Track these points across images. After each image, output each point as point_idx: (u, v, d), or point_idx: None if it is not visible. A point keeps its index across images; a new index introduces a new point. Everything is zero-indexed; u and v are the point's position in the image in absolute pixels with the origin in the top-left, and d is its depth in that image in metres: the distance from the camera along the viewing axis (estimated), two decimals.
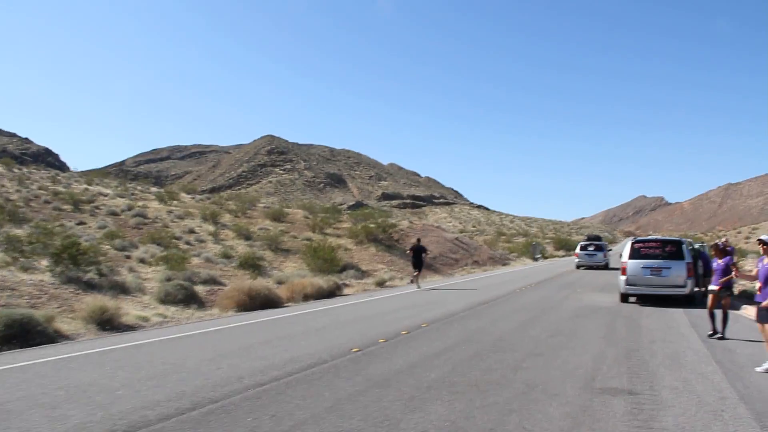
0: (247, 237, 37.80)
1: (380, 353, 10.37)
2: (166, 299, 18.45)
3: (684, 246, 18.45)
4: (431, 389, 7.87)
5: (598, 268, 41.08)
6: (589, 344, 11.33)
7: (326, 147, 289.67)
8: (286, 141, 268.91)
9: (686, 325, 14.17)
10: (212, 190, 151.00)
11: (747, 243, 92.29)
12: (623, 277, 18.50)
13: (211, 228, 39.22)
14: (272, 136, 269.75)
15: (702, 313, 16.20)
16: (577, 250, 44.07)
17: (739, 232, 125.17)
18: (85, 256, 19.71)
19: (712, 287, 12.48)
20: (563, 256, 75.03)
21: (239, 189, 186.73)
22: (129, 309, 16.82)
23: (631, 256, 18.57)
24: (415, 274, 26.13)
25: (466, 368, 9.13)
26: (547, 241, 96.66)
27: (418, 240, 28.86)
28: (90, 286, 18.62)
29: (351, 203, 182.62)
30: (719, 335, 12.25)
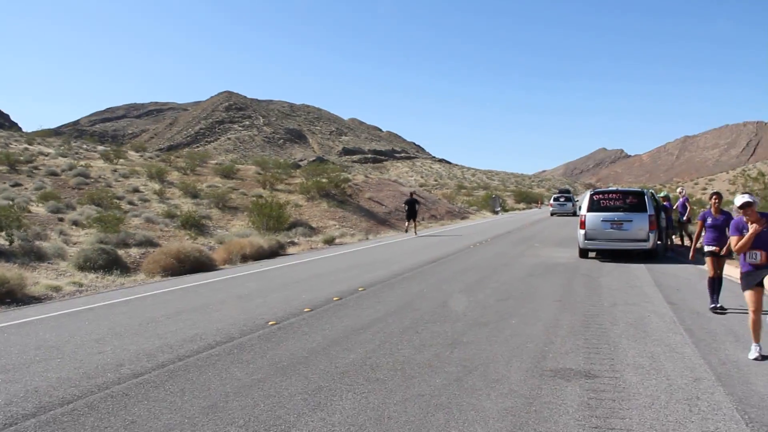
0: (194, 195, 35.97)
1: (299, 327, 8.87)
2: (85, 265, 16.68)
3: (646, 197, 17.18)
4: (345, 376, 6.41)
5: (567, 215, 47.99)
6: (543, 309, 9.96)
7: (286, 102, 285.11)
8: (245, 97, 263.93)
9: (649, 283, 12.90)
10: (170, 148, 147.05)
11: (704, 194, 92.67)
12: (582, 231, 17.22)
13: (157, 186, 37.19)
14: (230, 92, 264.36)
15: (666, 269, 15.09)
16: (551, 201, 54.98)
17: (696, 183, 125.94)
18: None
19: (709, 248, 10.27)
20: (524, 209, 74.35)
21: (197, 146, 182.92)
22: (41, 278, 15.12)
23: (590, 209, 17.27)
24: (409, 224, 30.01)
25: (395, 345, 7.68)
26: (508, 194, 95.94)
27: (411, 194, 32.78)
28: None
29: (311, 159, 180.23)
30: (719, 306, 9.95)
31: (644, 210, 16.77)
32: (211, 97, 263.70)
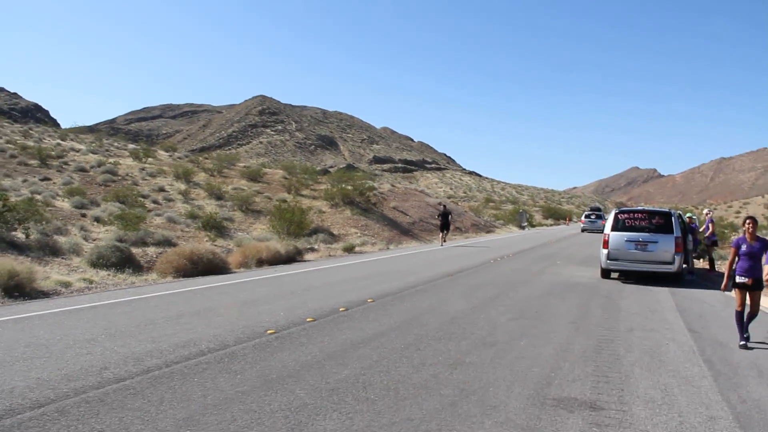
0: (219, 197, 35.94)
1: (298, 337, 8.52)
2: (98, 262, 16.55)
3: (673, 218, 16.57)
4: (334, 393, 6.05)
5: (597, 231, 48.00)
6: (556, 331, 9.50)
7: (319, 109, 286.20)
8: (279, 102, 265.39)
9: (671, 308, 12.34)
10: (202, 150, 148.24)
11: (737, 217, 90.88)
12: (605, 251, 16.65)
13: (182, 187, 37.22)
14: (264, 97, 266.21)
15: (690, 294, 14.50)
16: (582, 218, 58.99)
17: (730, 206, 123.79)
18: (11, 212, 17.74)
19: (741, 279, 9.17)
20: (551, 225, 73.42)
21: (229, 149, 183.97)
22: (53, 273, 14.99)
23: (614, 228, 16.69)
24: (443, 234, 31.28)
25: (393, 362, 7.30)
26: (537, 209, 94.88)
27: (444, 206, 35.24)
28: (13, 246, 16.75)
29: (342, 166, 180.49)
30: (745, 341, 9.07)
31: (671, 231, 16.17)
32: (246, 100, 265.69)
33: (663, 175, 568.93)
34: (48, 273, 14.86)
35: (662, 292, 14.62)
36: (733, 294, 9.56)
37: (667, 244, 16.05)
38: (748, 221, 9.34)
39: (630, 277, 17.11)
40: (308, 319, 9.78)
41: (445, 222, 31.18)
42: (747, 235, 9.26)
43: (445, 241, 31.07)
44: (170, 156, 57.95)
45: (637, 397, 6.28)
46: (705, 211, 22.07)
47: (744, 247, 9.14)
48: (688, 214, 21.32)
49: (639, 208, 18.79)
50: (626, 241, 16.34)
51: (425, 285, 14.40)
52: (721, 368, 7.63)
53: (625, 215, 17.10)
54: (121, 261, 16.87)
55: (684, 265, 16.62)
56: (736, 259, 9.28)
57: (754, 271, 9.05)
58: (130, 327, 9.02)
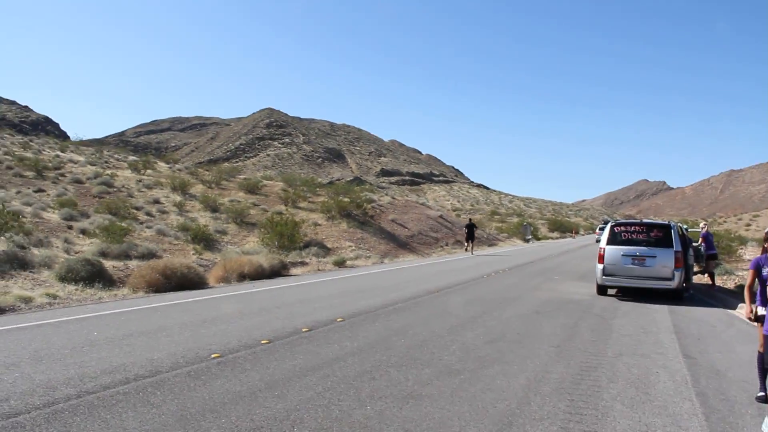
0: (214, 209, 35.17)
1: (242, 363, 7.63)
2: (67, 276, 15.74)
3: (673, 231, 15.57)
4: None
5: None
6: (534, 357, 8.55)
7: (327, 122, 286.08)
8: (286, 114, 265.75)
9: (668, 329, 11.35)
10: (210, 162, 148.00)
11: (747, 230, 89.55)
12: (600, 266, 15.68)
13: (178, 199, 36.48)
14: (272, 109, 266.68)
15: (690, 313, 13.53)
16: (597, 230, 60.17)
17: (740, 219, 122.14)
18: None
19: (764, 311, 6.83)
20: (557, 238, 72.28)
21: (236, 162, 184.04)
22: (15, 288, 14.20)
23: (610, 242, 15.74)
24: (468, 245, 35.72)
25: (338, 395, 6.38)
26: (543, 222, 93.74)
27: (470, 219, 41.29)
28: None
29: (349, 178, 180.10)
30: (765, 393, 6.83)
31: (670, 245, 15.20)
32: (253, 113, 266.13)
33: (672, 188, 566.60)
34: (10, 288, 14.08)
35: (660, 311, 13.63)
36: (756, 326, 8.16)
37: (666, 258, 15.08)
38: None
39: (627, 293, 16.13)
40: (263, 341, 8.90)
41: (470, 233, 35.49)
42: None
43: (471, 250, 35.28)
44: (170, 168, 57.33)
45: None
46: (701, 224, 21.09)
47: (766, 271, 6.83)
48: (702, 224, 20.46)
49: (636, 220, 17.79)
50: (623, 255, 15.39)
51: (406, 302, 13.48)
52: (715, 404, 6.68)
53: (622, 227, 16.13)
54: (92, 275, 16.04)
55: (683, 284, 15.59)
56: (756, 283, 7.00)
57: None
58: (64, 349, 8.17)
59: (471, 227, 35.92)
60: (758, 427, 5.90)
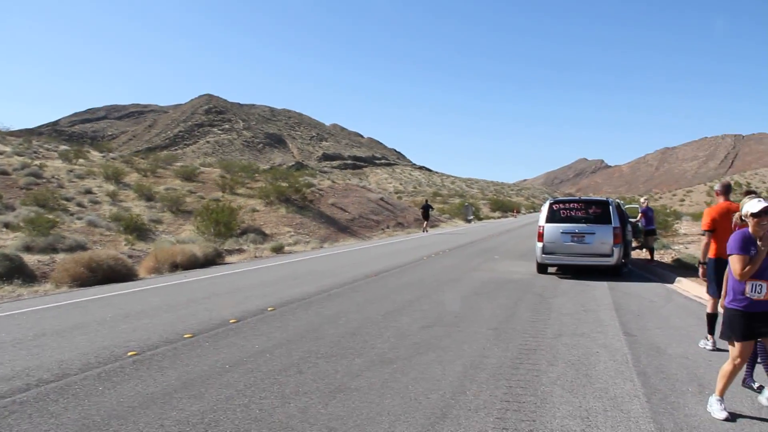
0: (149, 198, 34.05)
1: (160, 360, 7.05)
2: None
3: (611, 207, 15.48)
4: None
5: None
6: (472, 341, 8.19)
7: (267, 107, 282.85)
8: (225, 100, 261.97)
9: (608, 306, 11.17)
10: (148, 150, 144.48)
11: (681, 205, 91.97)
12: (540, 244, 15.49)
13: (111, 188, 35.16)
14: (211, 95, 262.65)
15: (630, 288, 13.43)
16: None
17: (674, 195, 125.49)
18: None
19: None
20: (499, 218, 72.80)
21: (176, 149, 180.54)
22: None
23: (549, 219, 15.55)
24: (425, 224, 38.64)
25: (261, 392, 5.88)
26: (485, 202, 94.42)
27: (426, 200, 46.83)
28: None
29: (291, 164, 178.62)
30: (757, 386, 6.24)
31: (608, 222, 15.10)
32: (192, 99, 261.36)
33: (610, 166, 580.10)
34: None
35: (600, 288, 13.50)
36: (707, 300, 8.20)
37: (605, 235, 14.98)
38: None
39: (567, 271, 16.00)
40: (186, 336, 8.32)
41: (426, 213, 39.09)
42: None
43: (426, 229, 38.38)
44: (104, 157, 55.41)
45: (550, 430, 5.00)
46: (641, 200, 21.20)
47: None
48: (642, 199, 20.57)
49: (574, 197, 17.66)
50: (562, 233, 15.22)
51: (342, 288, 13.01)
52: (656, 383, 6.42)
53: (561, 205, 15.96)
54: (10, 271, 15.13)
55: (622, 260, 15.53)
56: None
57: None
58: None
59: (427, 208, 39.62)
60: (699, 408, 5.66)
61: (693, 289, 12.89)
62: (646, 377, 6.61)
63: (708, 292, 8.40)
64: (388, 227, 37.52)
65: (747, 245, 5.22)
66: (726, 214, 8.01)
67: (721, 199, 8.48)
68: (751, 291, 5.24)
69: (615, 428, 5.08)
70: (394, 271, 16.06)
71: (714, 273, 8.08)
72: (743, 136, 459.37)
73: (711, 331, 8.08)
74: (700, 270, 8.49)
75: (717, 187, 8.67)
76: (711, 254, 8.24)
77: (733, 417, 5.36)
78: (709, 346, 7.95)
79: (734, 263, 5.29)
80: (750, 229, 5.31)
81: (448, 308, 10.70)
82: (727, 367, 5.47)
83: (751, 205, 5.24)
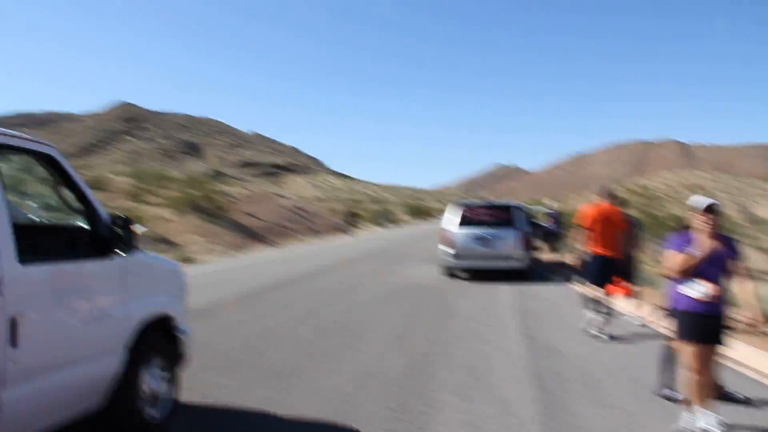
0: (48, 208, 32.52)
1: None
2: None
3: (518, 211, 15.67)
4: None
5: None
6: (371, 349, 7.97)
7: (186, 115, 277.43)
8: (143, 108, 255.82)
9: (511, 309, 11.18)
10: None
11: None
12: (448, 249, 15.49)
13: (12, 199, 33.41)
14: (127, 103, 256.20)
15: (536, 291, 13.59)
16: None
17: (588, 199, 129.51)
18: None
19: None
20: (416, 224, 73.28)
21: (89, 158, 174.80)
22: None
23: (458, 224, 15.58)
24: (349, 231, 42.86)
25: None
26: (403, 208, 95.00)
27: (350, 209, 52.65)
28: None
29: (208, 172, 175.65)
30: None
31: (514, 226, 15.26)
32: (108, 107, 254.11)
33: (526, 171, 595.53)
34: None
35: (505, 291, 13.56)
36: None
37: (512, 238, 15.13)
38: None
39: (475, 275, 16.04)
40: None
41: (350, 220, 47.60)
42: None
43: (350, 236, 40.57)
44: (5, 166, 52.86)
45: None
46: (551, 204, 21.72)
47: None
48: (553, 204, 21.09)
49: (482, 202, 17.76)
50: (470, 237, 15.26)
51: (243, 298, 12.53)
52: (548, 385, 6.37)
53: (469, 210, 16.02)
54: None
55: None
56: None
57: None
58: None
59: (353, 215, 49.00)
60: (589, 406, 5.62)
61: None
62: (539, 379, 6.57)
63: (588, 281, 9.48)
64: (302, 234, 37.09)
65: (681, 244, 5.11)
66: (607, 216, 9.08)
67: (603, 202, 9.30)
68: (692, 289, 5.06)
69: None
70: (301, 279, 15.67)
71: (592, 266, 9.19)
72: (651, 142, 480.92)
73: (590, 314, 9.17)
74: (576, 260, 9.78)
75: (600, 190, 9.64)
76: (594, 251, 9.14)
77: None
78: (589, 327, 9.07)
79: (669, 259, 5.16)
80: (693, 230, 5.15)
81: (352, 315, 10.47)
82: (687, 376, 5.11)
83: (696, 201, 5.14)
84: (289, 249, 28.04)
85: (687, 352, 5.06)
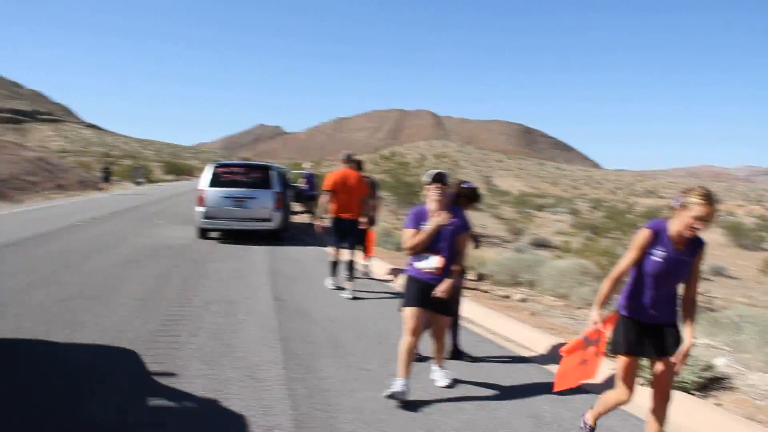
0: None
1: None
2: None
3: (272, 173, 15.68)
4: None
5: None
6: (113, 314, 7.55)
7: None
8: None
9: (263, 272, 11.26)
10: None
11: None
12: (201, 209, 15.11)
13: None
14: None
15: (288, 253, 13.82)
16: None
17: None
18: None
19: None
20: (172, 181, 70.76)
21: None
22: None
23: (211, 184, 15.22)
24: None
25: None
26: (159, 164, 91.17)
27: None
28: None
29: None
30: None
31: (270, 186, 15.28)
32: None
33: (288, 132, 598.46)
34: None
35: (258, 252, 13.60)
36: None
37: (266, 200, 15.14)
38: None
39: (229, 236, 15.87)
40: None
41: (106, 176, 44.05)
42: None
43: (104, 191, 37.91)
44: None
45: (174, 412, 4.74)
46: (306, 166, 22.13)
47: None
48: (307, 165, 21.40)
49: (237, 162, 17.55)
50: (223, 197, 15.01)
51: None
52: (296, 347, 6.54)
53: (223, 169, 15.73)
54: None
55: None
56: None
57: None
58: None
59: (107, 170, 46.26)
60: (333, 368, 5.86)
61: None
62: (287, 342, 6.70)
63: (329, 243, 10.15)
64: (45, 190, 34.16)
65: (418, 220, 5.30)
66: (344, 180, 9.59)
67: (343, 166, 9.84)
68: (420, 261, 5.28)
69: (248, 398, 5.01)
70: (41, 239, 14.40)
71: (334, 228, 9.71)
72: (406, 111, 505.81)
73: (333, 274, 10.05)
74: (319, 225, 10.34)
75: (341, 156, 10.10)
76: (332, 213, 9.67)
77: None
78: (332, 285, 10.00)
79: (406, 236, 5.33)
80: (426, 207, 5.35)
81: (94, 279, 9.83)
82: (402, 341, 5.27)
83: (427, 174, 5.33)
84: (32, 205, 25.60)
85: (405, 315, 5.33)
